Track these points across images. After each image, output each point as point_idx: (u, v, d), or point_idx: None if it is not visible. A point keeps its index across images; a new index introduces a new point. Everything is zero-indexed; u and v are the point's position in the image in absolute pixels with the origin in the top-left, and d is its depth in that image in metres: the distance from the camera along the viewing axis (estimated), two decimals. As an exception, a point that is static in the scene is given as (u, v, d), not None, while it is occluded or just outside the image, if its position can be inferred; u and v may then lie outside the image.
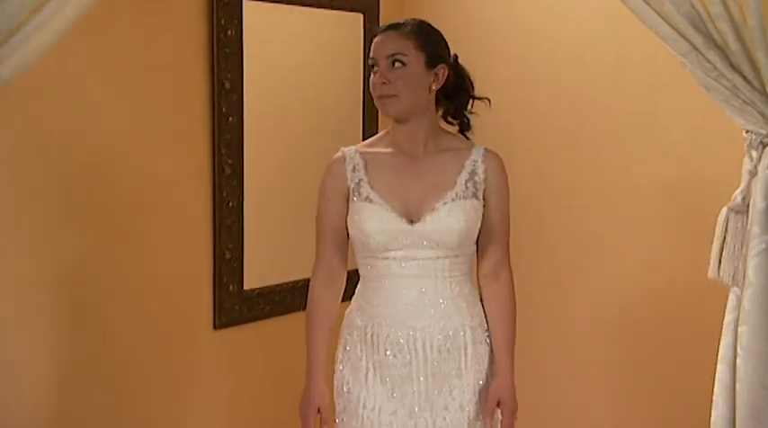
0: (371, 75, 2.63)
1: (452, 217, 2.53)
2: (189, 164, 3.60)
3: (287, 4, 3.82)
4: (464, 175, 2.58)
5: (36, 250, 3.11)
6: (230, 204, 3.72)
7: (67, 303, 3.24)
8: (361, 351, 2.59)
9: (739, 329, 2.77)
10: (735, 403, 2.91)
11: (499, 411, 2.65)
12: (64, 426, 3.19)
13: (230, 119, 3.67)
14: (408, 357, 2.54)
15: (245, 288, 3.78)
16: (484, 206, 2.64)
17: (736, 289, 2.78)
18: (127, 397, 3.41)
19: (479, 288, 2.70)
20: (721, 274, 2.84)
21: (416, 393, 2.56)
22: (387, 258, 2.54)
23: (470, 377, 2.58)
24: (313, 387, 2.65)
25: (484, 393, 2.64)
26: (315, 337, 2.66)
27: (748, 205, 2.76)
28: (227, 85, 3.63)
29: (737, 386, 2.84)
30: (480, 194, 2.59)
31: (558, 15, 3.96)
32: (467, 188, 2.57)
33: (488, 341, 2.66)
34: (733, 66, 2.71)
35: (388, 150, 2.63)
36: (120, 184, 3.30)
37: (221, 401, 3.84)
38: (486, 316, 2.68)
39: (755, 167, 2.73)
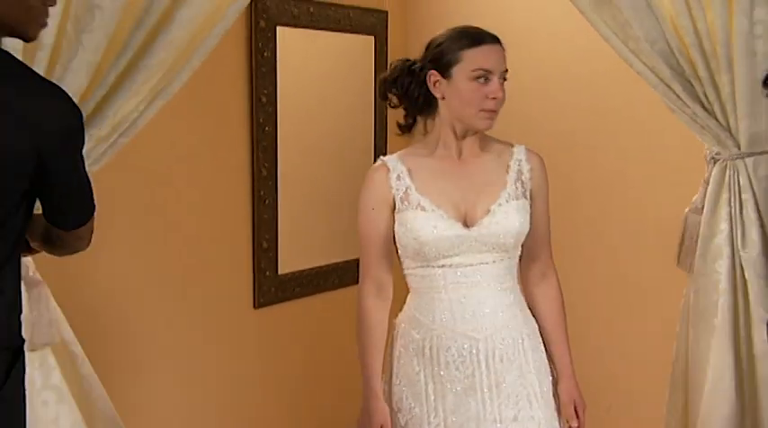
0: (476, 84, 2.22)
1: (509, 218, 2.24)
2: (232, 167, 3.62)
3: (312, 29, 3.84)
4: (512, 175, 2.30)
5: (127, 239, 3.17)
6: (266, 201, 3.74)
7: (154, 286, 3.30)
8: (419, 365, 2.26)
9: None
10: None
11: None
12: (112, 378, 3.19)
13: (266, 128, 3.70)
14: (471, 369, 2.23)
15: (279, 273, 3.81)
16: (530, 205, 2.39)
17: (692, 279, 2.86)
18: (189, 365, 3.45)
19: (526, 290, 2.41)
20: (681, 264, 2.91)
21: (480, 404, 2.23)
22: (443, 266, 2.24)
23: (536, 385, 2.27)
24: (374, 405, 2.27)
25: (550, 398, 2.32)
26: (370, 354, 2.30)
27: (703, 208, 2.82)
28: (264, 100, 3.66)
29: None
30: (528, 194, 2.31)
31: (549, 21, 3.73)
32: (516, 188, 2.29)
33: (542, 347, 2.35)
34: (694, 97, 2.77)
35: (430, 155, 2.30)
36: (176, 184, 3.35)
37: (261, 367, 3.85)
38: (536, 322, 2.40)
39: (708, 178, 2.80)
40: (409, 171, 2.24)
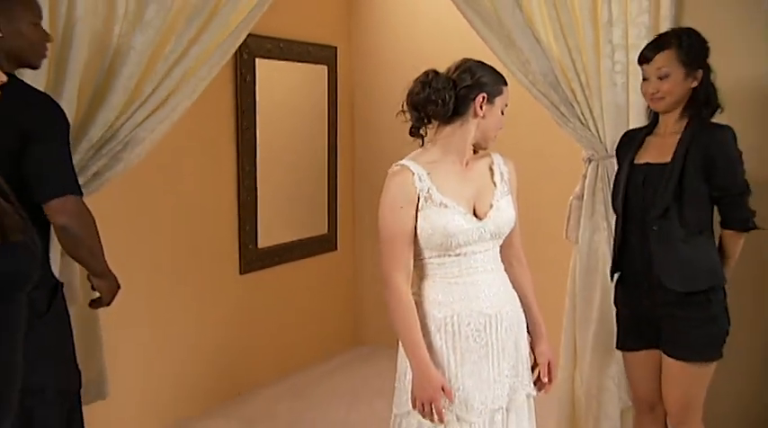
0: (501, 115, 2.11)
1: (506, 211, 2.12)
2: (222, 163, 3.69)
3: (282, 60, 3.92)
4: (497, 177, 2.16)
5: (136, 217, 3.19)
6: (248, 191, 3.82)
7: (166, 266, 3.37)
8: (440, 339, 2.07)
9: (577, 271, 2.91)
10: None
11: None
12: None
13: (248, 134, 3.77)
14: (485, 339, 2.08)
15: (259, 246, 3.89)
16: None
17: (576, 248, 2.90)
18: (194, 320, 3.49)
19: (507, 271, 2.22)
20: (569, 237, 2.94)
21: (491, 368, 2.09)
22: (458, 255, 2.06)
23: (522, 349, 2.17)
24: (430, 372, 2.01)
25: (527, 357, 2.22)
26: (414, 330, 2.04)
27: (583, 195, 2.86)
28: (246, 112, 3.74)
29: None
30: (509, 191, 2.17)
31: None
32: (503, 187, 2.15)
33: (523, 316, 2.21)
34: (574, 115, 2.82)
35: (442, 160, 2.09)
36: (178, 176, 3.42)
37: (245, 316, 3.90)
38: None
39: (585, 173, 2.84)
40: (428, 174, 2.03)
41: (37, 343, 1.94)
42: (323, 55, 4.26)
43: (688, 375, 2.37)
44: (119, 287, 2.37)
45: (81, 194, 2.15)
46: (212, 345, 3.65)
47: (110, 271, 2.32)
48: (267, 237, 3.97)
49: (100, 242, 2.23)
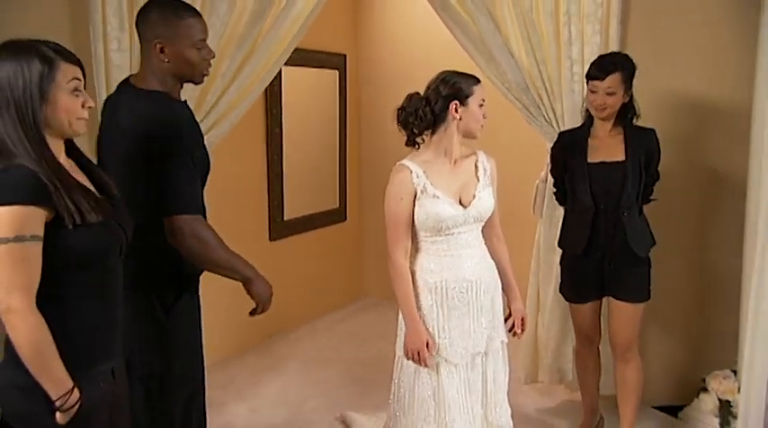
0: (480, 110, 2.09)
1: (487, 200, 2.12)
2: (255, 155, 3.70)
3: (303, 67, 3.87)
4: (480, 172, 2.15)
5: None
6: (276, 177, 3.83)
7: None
8: (431, 299, 2.09)
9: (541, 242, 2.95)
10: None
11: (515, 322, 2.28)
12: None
13: (276, 128, 3.77)
14: (467, 299, 2.10)
15: (285, 219, 3.93)
16: None
17: (541, 221, 2.94)
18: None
19: (487, 247, 2.22)
20: (535, 213, 2.96)
21: (471, 321, 2.12)
22: (448, 234, 2.07)
23: (498, 306, 2.20)
24: (419, 327, 2.06)
25: (501, 313, 2.24)
26: (409, 295, 2.07)
27: (546, 179, 2.87)
28: (275, 112, 3.75)
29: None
30: (490, 183, 2.16)
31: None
32: (485, 181, 2.14)
33: (500, 281, 2.23)
34: (541, 115, 2.85)
35: (435, 160, 2.10)
36: (223, 168, 3.21)
37: (274, 276, 3.73)
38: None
39: (549, 161, 2.77)
40: (424, 172, 2.05)
41: (163, 333, 1.88)
42: (334, 61, 4.23)
43: (635, 313, 2.51)
44: (270, 288, 1.98)
45: (189, 212, 1.78)
46: (248, 299, 3.59)
47: (255, 275, 1.93)
48: (291, 211, 3.99)
49: (226, 253, 1.86)
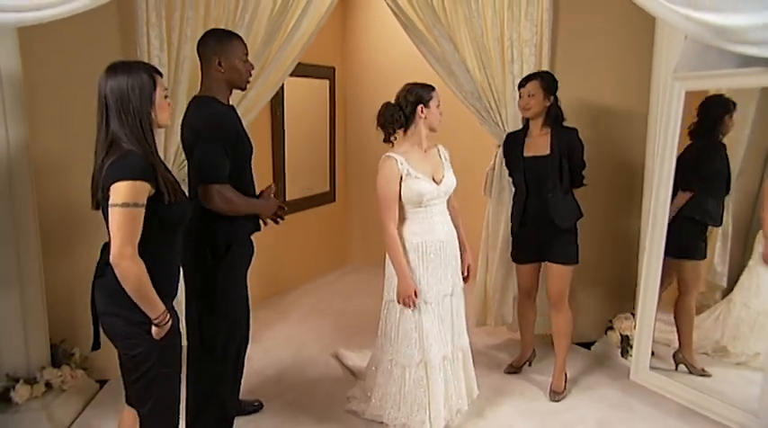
0: (438, 109, 2.21)
1: (451, 178, 2.25)
2: (262, 148, 3.63)
3: (300, 77, 3.83)
4: (443, 158, 2.27)
5: None
6: (279, 165, 3.82)
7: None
8: (415, 255, 2.18)
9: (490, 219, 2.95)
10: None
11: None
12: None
13: (278, 127, 3.78)
14: (442, 255, 2.21)
15: (287, 199, 3.89)
16: None
17: (490, 200, 2.96)
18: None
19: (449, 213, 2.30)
20: (485, 193, 2.98)
21: (445, 272, 2.24)
22: (426, 206, 2.18)
23: (457, 260, 2.30)
24: (409, 281, 2.15)
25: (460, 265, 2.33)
26: (401, 255, 2.15)
27: (494, 167, 2.91)
28: (279, 114, 3.76)
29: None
30: (450, 166, 2.28)
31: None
32: (447, 164, 2.27)
33: (458, 241, 2.33)
34: (490, 119, 2.87)
35: (411, 150, 2.20)
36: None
37: (279, 247, 3.83)
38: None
39: (497, 154, 2.87)
40: (405, 159, 2.15)
41: (210, 278, 2.00)
42: (326, 73, 4.21)
43: (565, 273, 2.57)
44: (274, 205, 2.18)
45: (217, 182, 1.95)
46: (259, 263, 3.32)
47: (262, 205, 2.14)
48: (291, 194, 3.99)
49: (245, 206, 2.04)
